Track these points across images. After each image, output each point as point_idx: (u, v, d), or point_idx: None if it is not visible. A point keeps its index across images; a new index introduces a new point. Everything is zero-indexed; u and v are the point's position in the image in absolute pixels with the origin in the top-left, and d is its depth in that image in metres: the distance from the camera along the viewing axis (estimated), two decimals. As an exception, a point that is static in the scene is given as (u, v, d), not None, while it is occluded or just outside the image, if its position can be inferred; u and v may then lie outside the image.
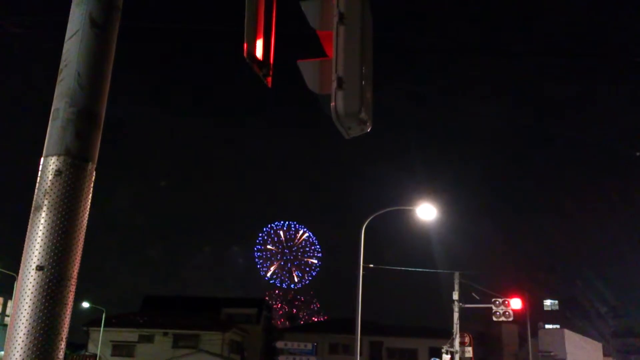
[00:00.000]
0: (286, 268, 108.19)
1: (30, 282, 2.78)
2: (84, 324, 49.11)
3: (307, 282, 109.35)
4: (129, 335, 48.72)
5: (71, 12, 3.31)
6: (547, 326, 55.43)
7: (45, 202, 2.90)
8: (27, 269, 2.82)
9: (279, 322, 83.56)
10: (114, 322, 48.80)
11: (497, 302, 26.40)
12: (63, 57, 3.21)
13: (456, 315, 26.11)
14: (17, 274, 2.91)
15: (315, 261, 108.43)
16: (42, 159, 3.03)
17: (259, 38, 3.87)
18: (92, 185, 3.07)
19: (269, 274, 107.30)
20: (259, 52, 3.85)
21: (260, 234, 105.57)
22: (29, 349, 2.69)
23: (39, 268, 2.80)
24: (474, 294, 27.45)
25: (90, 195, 3.06)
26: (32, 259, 2.82)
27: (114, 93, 3.43)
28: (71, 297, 2.89)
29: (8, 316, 48.85)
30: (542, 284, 65.33)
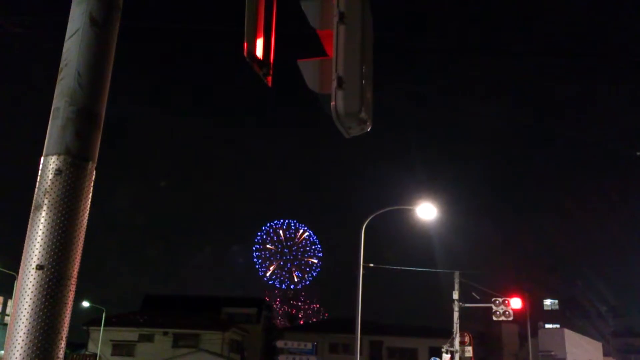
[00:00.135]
0: (286, 268, 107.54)
1: (31, 282, 2.78)
2: (84, 323, 49.15)
3: (308, 282, 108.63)
4: (129, 334, 48.75)
5: (71, 11, 3.31)
6: (547, 326, 55.46)
7: (46, 201, 2.90)
8: (27, 268, 2.82)
9: (278, 321, 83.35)
10: (114, 322, 48.82)
11: (497, 302, 26.40)
12: (63, 57, 3.22)
13: (456, 314, 26.12)
14: (17, 273, 2.92)
15: (316, 261, 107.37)
16: (42, 158, 3.03)
17: (259, 37, 3.87)
18: (92, 184, 3.07)
19: (268, 274, 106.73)
20: (259, 52, 3.85)
21: (259, 233, 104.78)
22: (29, 348, 2.69)
23: (39, 267, 2.80)
24: (474, 294, 27.48)
25: (91, 194, 3.06)
26: (32, 258, 2.82)
27: (114, 93, 3.43)
28: (71, 296, 2.89)
29: (8, 315, 48.89)
30: (542, 283, 65.38)
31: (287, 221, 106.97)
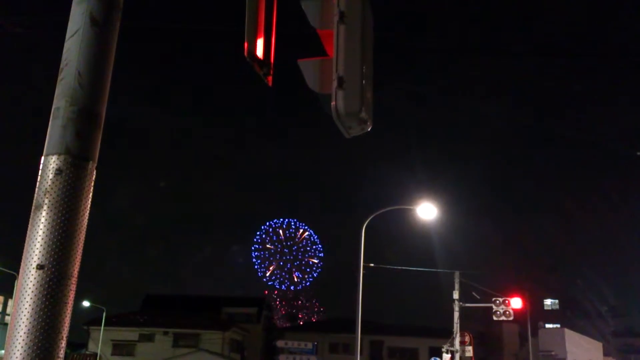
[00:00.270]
0: (285, 268, 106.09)
1: (31, 281, 2.78)
2: (84, 323, 49.17)
3: (308, 283, 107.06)
4: (129, 334, 48.76)
5: (72, 11, 3.31)
6: (547, 325, 55.45)
7: (46, 201, 2.90)
8: (28, 268, 2.82)
9: (278, 321, 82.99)
10: (115, 321, 48.83)
11: (498, 302, 26.40)
12: (63, 56, 3.21)
13: (456, 314, 26.12)
14: (18, 272, 2.92)
15: (317, 261, 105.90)
16: (42, 158, 3.03)
17: (260, 37, 3.86)
18: (92, 184, 3.07)
19: (267, 275, 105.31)
20: (259, 51, 3.84)
21: (258, 233, 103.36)
22: (29, 347, 2.69)
23: (40, 267, 2.80)
24: (474, 294, 27.49)
25: (91, 194, 3.06)
26: (32, 258, 2.82)
27: (114, 93, 3.43)
28: (72, 296, 2.89)
29: (8, 315, 48.86)
30: (542, 283, 65.39)
31: (287, 220, 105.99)
